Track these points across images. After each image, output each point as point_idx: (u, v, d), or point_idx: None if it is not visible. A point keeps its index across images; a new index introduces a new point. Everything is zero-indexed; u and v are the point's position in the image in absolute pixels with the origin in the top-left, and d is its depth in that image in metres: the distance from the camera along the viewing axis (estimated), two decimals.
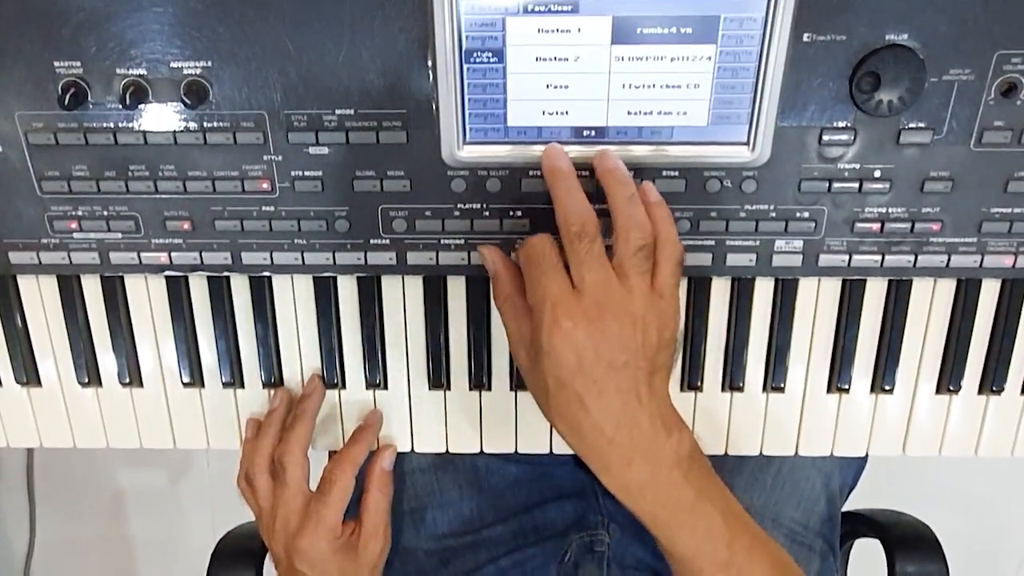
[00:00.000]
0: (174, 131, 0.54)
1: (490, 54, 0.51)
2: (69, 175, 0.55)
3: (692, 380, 0.62)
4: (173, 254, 0.58)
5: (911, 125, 0.53)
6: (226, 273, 0.59)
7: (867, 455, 0.66)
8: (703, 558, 0.51)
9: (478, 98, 0.53)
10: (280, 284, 0.61)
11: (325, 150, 0.54)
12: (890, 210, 0.55)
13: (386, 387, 0.64)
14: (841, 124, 0.53)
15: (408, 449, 0.65)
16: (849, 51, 0.51)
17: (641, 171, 0.54)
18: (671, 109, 0.53)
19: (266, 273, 0.59)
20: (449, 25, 0.50)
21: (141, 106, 0.53)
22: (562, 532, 0.71)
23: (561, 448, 0.64)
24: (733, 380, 0.62)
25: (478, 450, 0.65)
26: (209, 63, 0.52)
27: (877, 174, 0.54)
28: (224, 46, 0.51)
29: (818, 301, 0.61)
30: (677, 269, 0.51)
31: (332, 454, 0.64)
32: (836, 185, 0.54)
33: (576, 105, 0.53)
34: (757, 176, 0.54)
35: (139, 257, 0.58)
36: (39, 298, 0.62)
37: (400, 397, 0.64)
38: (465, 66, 0.51)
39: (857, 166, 0.54)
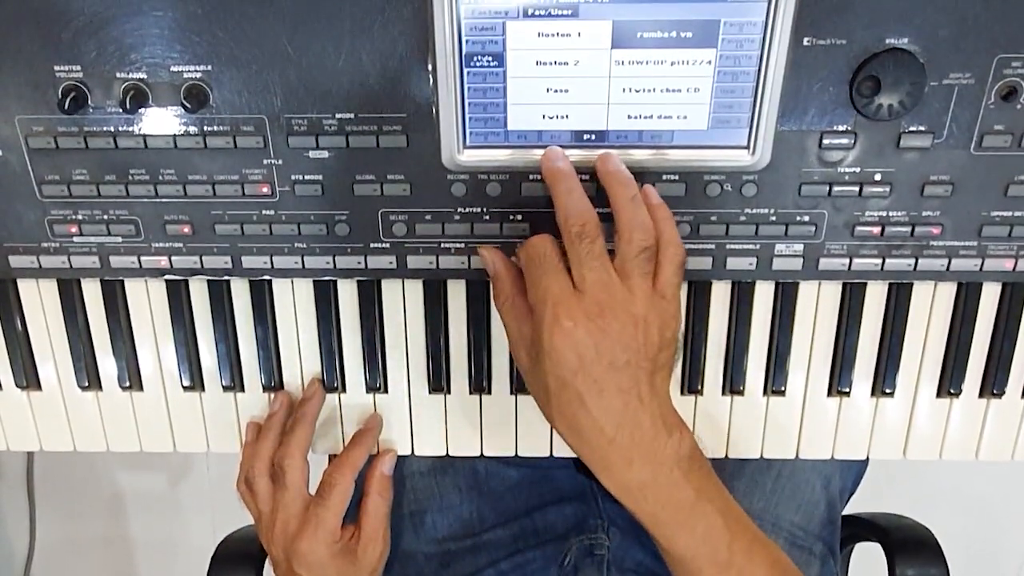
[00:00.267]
0: (174, 135, 0.54)
1: (490, 58, 0.51)
2: (69, 179, 0.55)
3: (693, 384, 0.62)
4: (173, 258, 0.58)
5: (911, 129, 0.53)
6: (226, 277, 0.59)
7: (868, 459, 0.66)
8: (703, 559, 0.51)
9: (478, 102, 0.53)
10: (280, 288, 0.61)
11: (325, 154, 0.54)
12: (890, 214, 0.55)
13: (386, 391, 0.64)
14: (841, 128, 0.53)
15: (408, 452, 0.65)
16: (849, 55, 0.51)
17: (641, 175, 0.54)
18: (671, 113, 0.52)
19: (266, 277, 0.59)
20: (449, 29, 0.50)
21: (141, 110, 0.53)
22: (562, 535, 0.71)
23: (561, 451, 0.64)
24: (734, 384, 0.62)
25: (478, 453, 0.65)
26: (209, 67, 0.52)
27: (877, 178, 0.54)
28: (224, 50, 0.51)
29: (818, 305, 0.61)
30: (679, 271, 0.51)
31: (332, 458, 0.64)
32: (836, 189, 0.54)
33: (576, 109, 0.53)
34: (757, 180, 0.54)
35: (139, 261, 0.58)
36: (39, 302, 0.62)
37: (400, 400, 0.64)
38: (465, 70, 0.51)
39: (857, 170, 0.54)
